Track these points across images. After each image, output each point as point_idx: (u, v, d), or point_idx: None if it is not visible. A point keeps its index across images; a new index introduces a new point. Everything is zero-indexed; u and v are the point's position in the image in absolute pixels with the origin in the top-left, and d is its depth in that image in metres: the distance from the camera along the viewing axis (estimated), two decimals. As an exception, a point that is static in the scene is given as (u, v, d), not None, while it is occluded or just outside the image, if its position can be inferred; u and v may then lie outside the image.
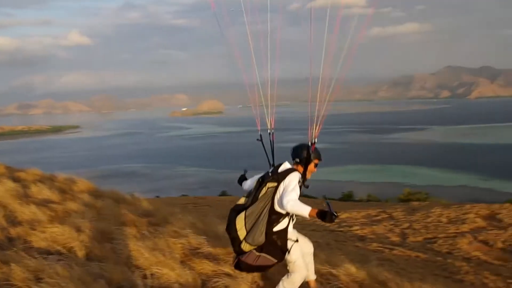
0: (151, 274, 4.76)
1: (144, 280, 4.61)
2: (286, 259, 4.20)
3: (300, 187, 4.12)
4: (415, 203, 29.54)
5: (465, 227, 20.40)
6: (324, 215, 3.73)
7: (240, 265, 4.17)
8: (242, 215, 4.06)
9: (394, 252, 15.68)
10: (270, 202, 4.05)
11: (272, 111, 4.63)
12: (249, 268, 4.19)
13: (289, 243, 4.17)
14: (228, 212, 4.32)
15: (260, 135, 4.64)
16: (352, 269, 5.15)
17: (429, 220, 22.30)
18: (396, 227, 21.12)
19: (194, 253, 5.70)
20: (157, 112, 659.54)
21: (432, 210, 24.25)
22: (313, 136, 4.26)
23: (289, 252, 4.16)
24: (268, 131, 4.64)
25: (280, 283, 4.26)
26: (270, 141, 4.58)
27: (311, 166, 4.26)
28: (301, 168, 4.23)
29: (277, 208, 4.04)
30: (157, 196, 48.02)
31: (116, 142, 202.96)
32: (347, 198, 59.19)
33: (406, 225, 21.62)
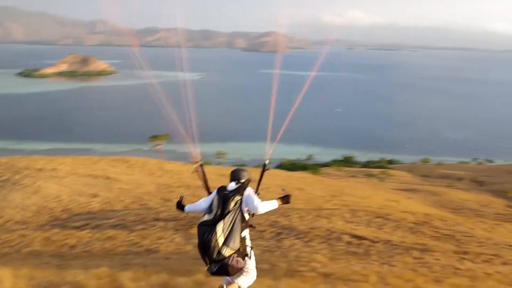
0: None
1: None
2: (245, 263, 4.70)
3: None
4: None
5: None
6: (287, 199, 4.82)
7: (227, 269, 4.49)
8: (220, 225, 4.49)
9: None
10: (240, 212, 4.64)
11: (198, 142, 5.12)
12: (235, 271, 4.58)
13: (248, 249, 4.75)
14: None
15: (199, 169, 5.24)
16: None
17: None
18: None
19: None
20: None
21: None
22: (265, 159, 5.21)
23: (249, 257, 4.76)
24: (199, 163, 5.26)
25: None
26: (202, 173, 5.24)
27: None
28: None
29: (246, 215, 4.71)
30: None
31: None
32: None
33: None
